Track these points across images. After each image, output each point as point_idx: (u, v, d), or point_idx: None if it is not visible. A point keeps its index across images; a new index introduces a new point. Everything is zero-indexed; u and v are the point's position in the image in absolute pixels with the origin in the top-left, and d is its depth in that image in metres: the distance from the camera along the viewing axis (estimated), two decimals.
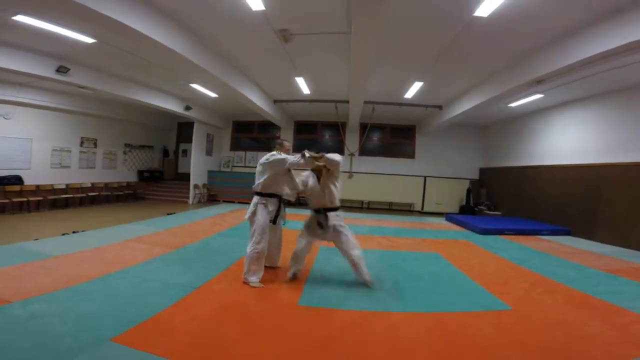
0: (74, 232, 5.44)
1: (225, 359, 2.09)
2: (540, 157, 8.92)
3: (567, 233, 7.37)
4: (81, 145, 9.84)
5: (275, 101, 10.04)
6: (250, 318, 2.74)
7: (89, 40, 5.43)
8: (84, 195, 9.43)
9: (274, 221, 3.61)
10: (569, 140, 7.98)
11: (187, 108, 10.21)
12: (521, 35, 4.84)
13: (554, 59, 4.96)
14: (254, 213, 3.52)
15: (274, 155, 3.55)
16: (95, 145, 10.30)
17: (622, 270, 4.54)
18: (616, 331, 2.67)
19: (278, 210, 3.65)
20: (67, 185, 9.16)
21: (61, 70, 6.45)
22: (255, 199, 3.57)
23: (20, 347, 2.00)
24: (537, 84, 5.66)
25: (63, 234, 5.22)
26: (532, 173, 9.16)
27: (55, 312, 2.50)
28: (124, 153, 11.58)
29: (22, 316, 2.40)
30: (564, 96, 7.52)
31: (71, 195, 9.02)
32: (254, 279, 3.42)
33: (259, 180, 3.56)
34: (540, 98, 7.46)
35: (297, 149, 12.50)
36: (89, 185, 9.89)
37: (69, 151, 9.44)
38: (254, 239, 3.46)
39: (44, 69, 6.32)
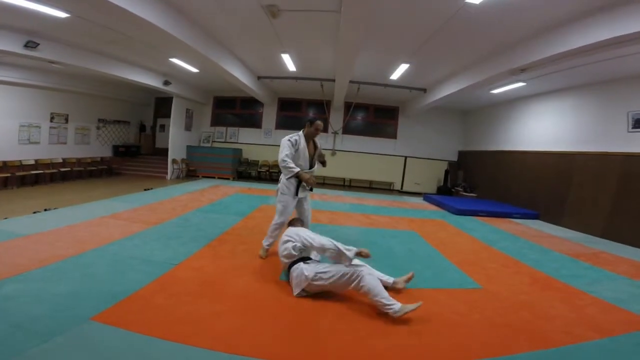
0: (45, 209, 5.23)
1: (207, 335, 2.12)
2: (517, 143, 9.19)
3: (536, 217, 7.73)
4: (51, 121, 9.36)
5: (259, 77, 9.78)
6: (232, 294, 2.77)
7: (62, 15, 5.07)
8: (55, 171, 9.04)
9: (296, 193, 3.66)
10: (544, 128, 8.23)
11: (166, 83, 9.82)
12: (510, 23, 4.86)
13: (540, 49, 5.03)
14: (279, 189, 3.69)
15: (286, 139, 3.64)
16: (66, 120, 9.82)
17: (582, 255, 4.83)
18: (574, 313, 2.85)
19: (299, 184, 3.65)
20: (36, 161, 8.74)
21: (30, 45, 6.07)
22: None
23: None
24: (520, 72, 5.74)
25: (34, 212, 5.01)
26: (507, 158, 9.45)
27: (30, 292, 2.43)
28: (98, 128, 11.12)
29: None
30: (544, 86, 7.69)
31: (41, 172, 8.61)
32: (265, 243, 3.76)
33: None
34: (521, 86, 7.60)
35: (281, 125, 12.43)
36: (60, 160, 9.47)
37: (38, 127, 8.96)
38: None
39: (10, 44, 5.93)
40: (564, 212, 7.16)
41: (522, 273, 3.87)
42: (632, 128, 5.98)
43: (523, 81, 7.15)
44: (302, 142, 3.66)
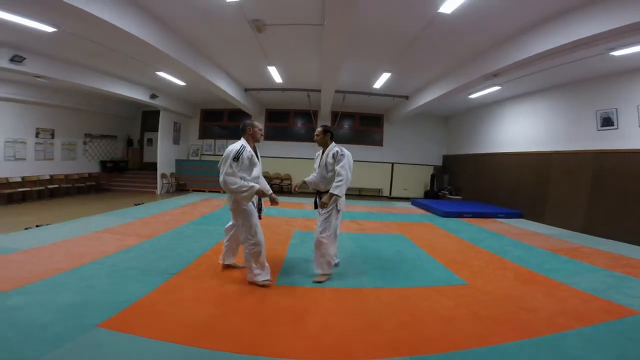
0: (37, 225, 5.23)
1: (209, 337, 2.23)
2: (496, 145, 9.58)
3: (519, 216, 8.03)
4: (37, 136, 9.25)
5: (246, 89, 9.95)
6: (230, 298, 2.88)
7: (49, 29, 5.11)
8: (42, 188, 8.94)
9: (259, 210, 3.34)
10: (521, 130, 8.62)
11: (153, 96, 9.88)
12: (481, 31, 5.17)
13: (509, 54, 5.34)
14: (234, 203, 3.13)
15: (232, 155, 3.04)
16: (52, 136, 9.71)
17: (563, 249, 5.08)
18: (557, 304, 3.01)
19: (260, 201, 3.38)
20: (23, 178, 8.63)
21: (16, 59, 6.06)
22: None
23: (6, 338, 2.03)
24: (493, 77, 6.07)
25: (26, 228, 5.01)
26: (488, 160, 9.81)
27: (36, 303, 2.50)
28: (84, 143, 11.01)
29: (2, 308, 2.40)
30: (518, 89, 8.09)
31: (28, 189, 8.52)
32: (260, 278, 3.17)
33: None
34: (497, 90, 7.97)
35: (269, 137, 12.54)
36: (48, 177, 9.37)
37: (24, 143, 8.85)
38: (245, 233, 3.14)
39: None
40: (545, 210, 7.47)
41: (506, 269, 4.06)
42: (601, 126, 6.36)
43: (498, 85, 7.50)
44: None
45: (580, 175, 6.67)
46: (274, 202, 3.36)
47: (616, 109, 6.09)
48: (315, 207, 3.58)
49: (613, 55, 5.18)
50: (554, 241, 5.70)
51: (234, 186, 2.95)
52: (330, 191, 3.31)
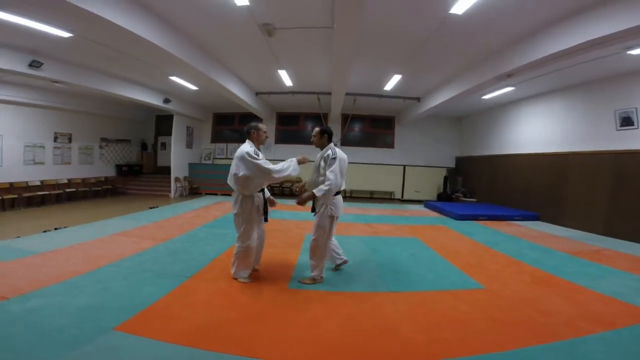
0: (56, 228, 5.36)
1: (223, 341, 2.22)
2: (511, 146, 9.39)
3: (536, 218, 7.85)
4: (55, 141, 9.49)
5: (257, 93, 10.02)
6: (244, 302, 2.88)
7: (66, 34, 5.23)
8: (60, 191, 9.15)
9: (265, 218, 3.45)
10: (537, 131, 8.43)
11: (166, 101, 10.03)
12: (493, 31, 5.08)
13: (522, 54, 5.24)
14: (241, 207, 3.25)
15: (246, 152, 3.10)
16: (70, 140, 9.96)
17: (583, 252, 4.94)
18: (577, 308, 2.94)
19: (265, 205, 3.45)
20: (42, 181, 8.87)
21: (34, 64, 6.20)
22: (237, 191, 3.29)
23: (25, 340, 2.07)
24: (507, 77, 5.96)
25: (45, 231, 5.14)
26: (503, 162, 9.63)
27: (53, 305, 2.55)
28: (101, 147, 11.26)
29: (21, 311, 2.45)
30: (532, 89, 7.92)
31: (47, 192, 8.73)
32: (242, 275, 3.34)
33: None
34: (511, 91, 7.81)
35: (280, 140, 12.60)
36: (65, 181, 9.60)
37: (43, 147, 9.10)
38: (241, 236, 3.26)
39: (14, 64, 6.04)
40: (563, 212, 7.28)
41: (523, 272, 3.97)
42: (620, 126, 6.18)
43: (512, 85, 7.35)
44: None
45: (599, 176, 6.48)
46: (272, 204, 3.61)
47: (636, 108, 5.91)
48: (312, 211, 3.51)
49: (630, 54, 5.03)
50: (573, 244, 5.55)
51: (277, 167, 3.11)
52: (313, 190, 3.21)
